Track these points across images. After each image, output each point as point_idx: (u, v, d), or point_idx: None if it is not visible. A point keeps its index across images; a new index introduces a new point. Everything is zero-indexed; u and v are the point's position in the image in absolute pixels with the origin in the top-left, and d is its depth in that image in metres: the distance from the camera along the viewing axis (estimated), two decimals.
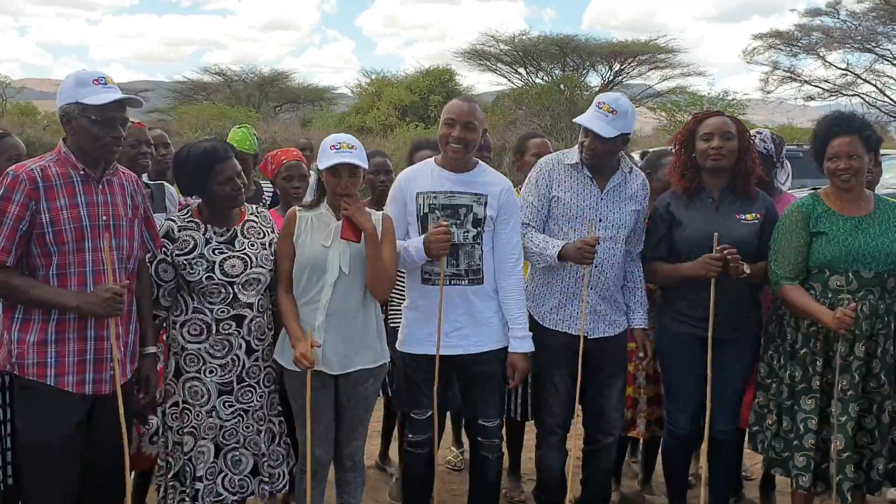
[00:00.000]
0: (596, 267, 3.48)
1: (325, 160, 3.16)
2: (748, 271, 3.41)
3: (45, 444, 2.77)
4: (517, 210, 3.46)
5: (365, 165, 3.22)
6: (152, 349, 3.12)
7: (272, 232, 3.34)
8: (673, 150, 3.72)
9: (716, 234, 3.36)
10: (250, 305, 3.20)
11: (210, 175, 3.13)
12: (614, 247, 3.54)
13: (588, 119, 3.42)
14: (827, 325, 3.28)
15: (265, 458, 3.27)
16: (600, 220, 3.49)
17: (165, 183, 4.16)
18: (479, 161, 3.48)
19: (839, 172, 3.34)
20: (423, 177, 3.39)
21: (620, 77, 31.91)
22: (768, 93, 28.59)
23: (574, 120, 3.43)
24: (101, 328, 2.86)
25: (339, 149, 3.15)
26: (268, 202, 4.60)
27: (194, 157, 3.16)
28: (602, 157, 3.48)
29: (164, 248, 3.17)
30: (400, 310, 3.73)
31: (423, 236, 3.28)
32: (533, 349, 3.42)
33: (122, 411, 2.84)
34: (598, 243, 3.40)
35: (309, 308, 3.21)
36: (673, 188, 3.67)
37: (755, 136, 3.96)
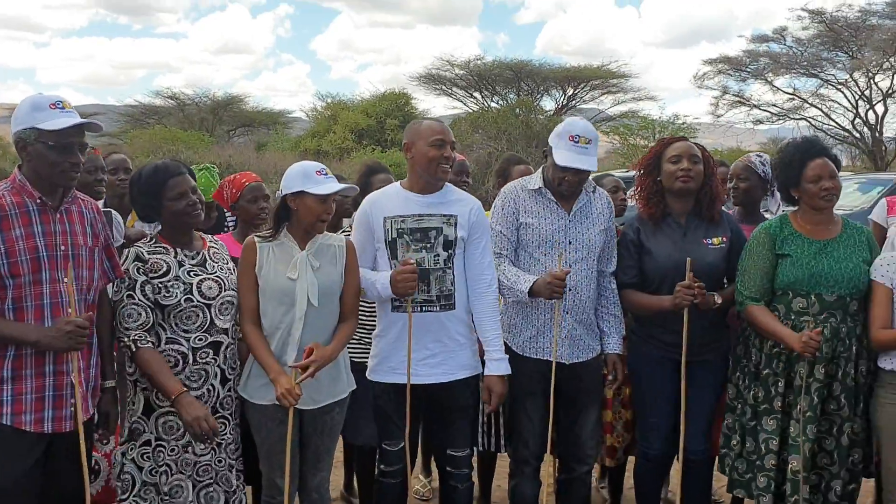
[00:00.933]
0: (570, 290, 3.46)
1: (315, 186, 3.12)
2: (719, 301, 3.46)
3: (1, 486, 2.64)
4: (488, 229, 3.43)
5: (355, 190, 3.42)
6: (111, 383, 3.00)
7: (231, 260, 3.28)
8: (637, 175, 3.74)
9: (688, 259, 3.38)
10: (226, 331, 3.12)
11: (163, 192, 3.05)
12: (587, 268, 3.53)
13: (572, 158, 3.38)
14: (793, 349, 3.31)
15: (235, 496, 3.20)
16: (570, 243, 3.48)
17: (113, 211, 4.06)
18: (446, 182, 3.44)
19: (823, 193, 3.39)
20: (389, 201, 3.34)
21: (574, 101, 32.30)
22: (718, 116, 29.09)
23: (559, 163, 3.40)
24: (60, 363, 2.75)
25: (326, 175, 3.15)
26: (230, 229, 4.50)
27: (146, 175, 3.10)
28: (575, 191, 3.51)
29: (139, 269, 3.03)
30: (357, 341, 3.68)
31: (389, 273, 3.24)
32: (510, 371, 3.37)
33: (83, 449, 2.74)
34: (569, 271, 3.38)
35: (280, 344, 3.14)
36: (639, 214, 3.69)
37: (755, 157, 4.12)
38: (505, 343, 3.55)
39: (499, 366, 3.34)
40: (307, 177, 3.13)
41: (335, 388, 3.25)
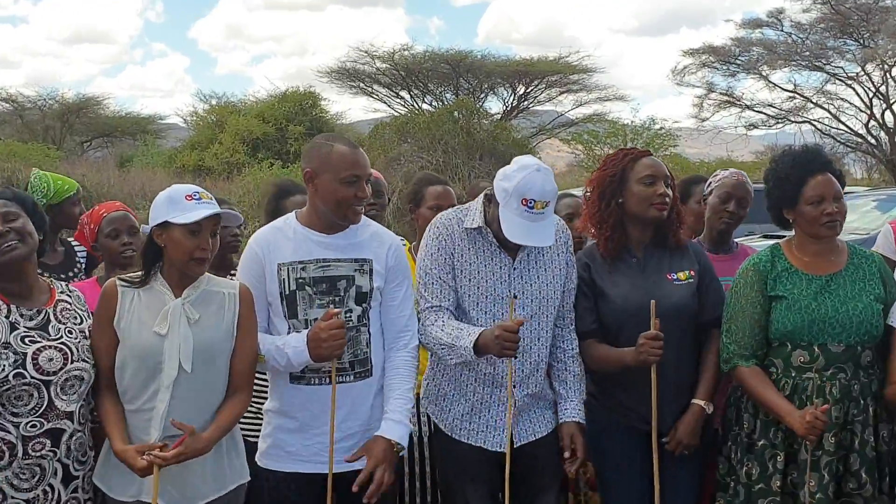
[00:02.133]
0: (516, 357, 3.40)
1: (180, 213, 3.09)
2: (710, 410, 3.55)
3: None
4: (408, 274, 3.46)
5: (238, 219, 3.34)
6: None
7: (89, 317, 3.24)
8: (586, 195, 3.78)
9: (652, 302, 3.41)
10: (70, 415, 3.07)
11: None
12: (538, 327, 3.53)
13: (522, 231, 3.34)
14: (794, 430, 3.32)
15: None
16: (515, 297, 3.47)
17: None
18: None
19: (826, 219, 3.44)
20: (284, 242, 3.32)
21: (526, 102, 32.64)
22: (703, 120, 29.55)
23: (507, 235, 3.36)
24: None
25: (198, 199, 3.13)
26: (83, 267, 4.51)
27: None
28: None
29: None
30: (256, 415, 3.63)
31: (305, 332, 3.19)
32: (404, 444, 3.32)
33: None
34: (522, 322, 3.34)
35: (139, 419, 3.09)
36: (594, 245, 3.74)
37: (741, 177, 4.24)
38: (430, 418, 3.57)
39: (394, 428, 3.27)
40: (173, 203, 3.12)
41: (216, 480, 3.19)
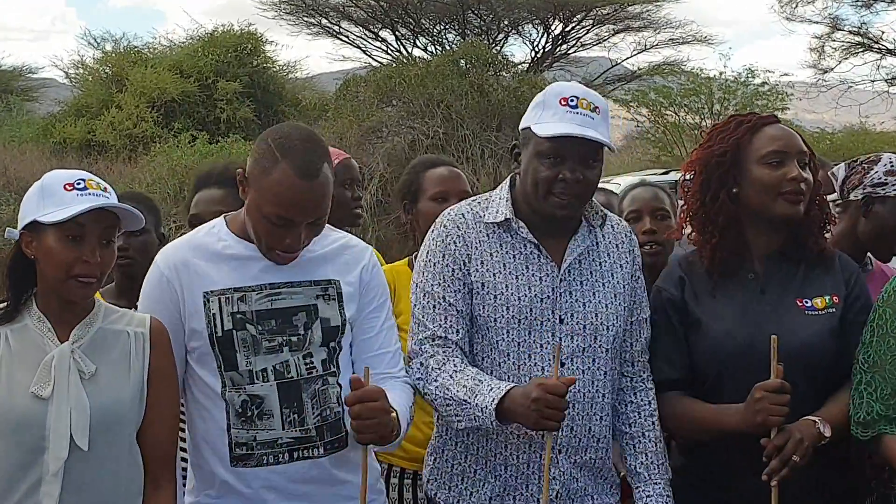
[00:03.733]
0: (559, 431, 3.48)
1: (54, 209, 3.14)
2: (827, 434, 3.52)
3: None
4: (387, 292, 3.68)
5: (140, 221, 3.34)
6: None
7: None
8: (685, 183, 3.93)
9: (773, 338, 3.45)
10: None
11: None
12: (593, 366, 3.63)
13: (565, 124, 3.48)
14: None
15: None
16: (561, 321, 3.61)
17: None
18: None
19: None
20: (211, 260, 3.44)
21: (565, 46, 33.34)
22: (825, 72, 30.20)
23: (549, 133, 3.48)
24: None
25: (82, 188, 3.19)
26: None
27: None
28: (580, 206, 3.62)
29: None
30: None
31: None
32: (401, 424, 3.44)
33: None
34: (572, 382, 3.43)
35: None
36: (687, 257, 3.91)
37: (875, 167, 4.27)
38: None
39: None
40: (46, 195, 3.22)
41: None
